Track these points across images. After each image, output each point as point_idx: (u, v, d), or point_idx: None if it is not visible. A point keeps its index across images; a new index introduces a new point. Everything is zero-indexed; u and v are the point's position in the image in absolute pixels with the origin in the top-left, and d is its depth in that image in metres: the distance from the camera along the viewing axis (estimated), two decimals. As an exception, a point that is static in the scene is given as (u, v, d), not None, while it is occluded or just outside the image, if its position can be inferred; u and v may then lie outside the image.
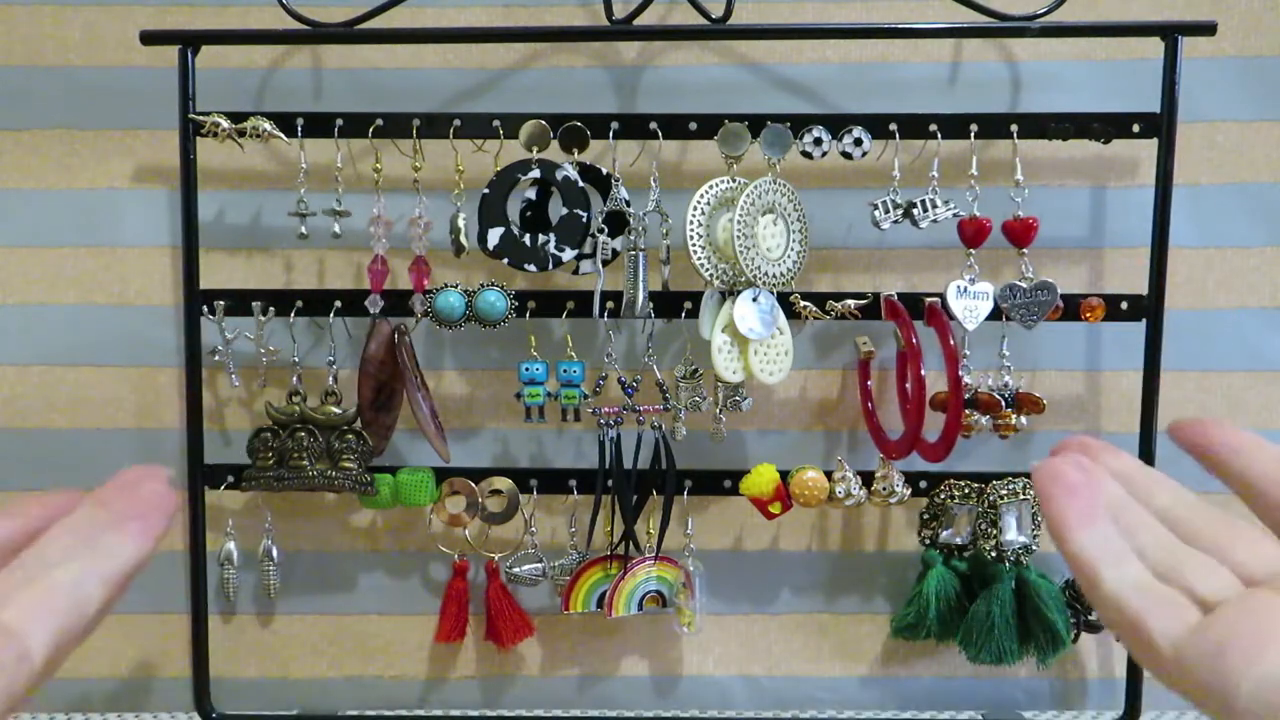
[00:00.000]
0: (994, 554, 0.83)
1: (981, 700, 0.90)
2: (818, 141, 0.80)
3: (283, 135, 0.80)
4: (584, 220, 0.79)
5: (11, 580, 0.35)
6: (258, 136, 0.80)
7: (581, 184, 0.80)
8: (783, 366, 0.81)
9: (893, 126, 0.80)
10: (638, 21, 0.80)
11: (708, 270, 0.79)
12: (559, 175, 0.79)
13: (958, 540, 0.84)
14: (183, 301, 0.83)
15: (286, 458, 0.82)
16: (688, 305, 0.82)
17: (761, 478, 0.82)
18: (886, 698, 0.92)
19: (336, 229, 0.81)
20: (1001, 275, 0.84)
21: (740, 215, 0.77)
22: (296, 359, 0.83)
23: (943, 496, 0.83)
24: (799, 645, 0.92)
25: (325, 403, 0.82)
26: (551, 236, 0.80)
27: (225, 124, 0.80)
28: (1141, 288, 0.82)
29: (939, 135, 0.80)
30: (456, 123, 0.80)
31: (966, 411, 0.81)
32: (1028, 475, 0.84)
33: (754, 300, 0.79)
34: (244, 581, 0.89)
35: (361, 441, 0.82)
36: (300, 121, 0.81)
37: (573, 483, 0.85)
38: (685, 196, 0.79)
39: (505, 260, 0.80)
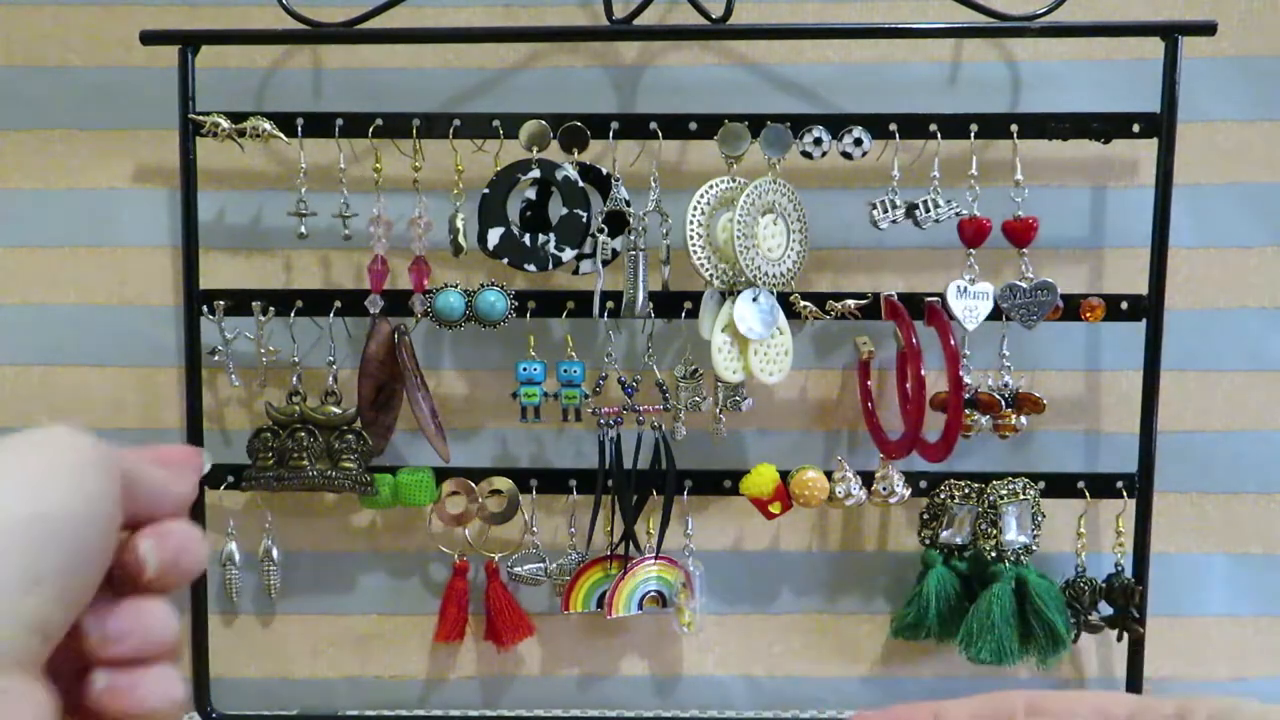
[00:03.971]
0: (994, 554, 0.83)
1: (981, 700, 0.90)
2: (818, 141, 0.80)
3: (283, 135, 0.80)
4: (584, 220, 0.79)
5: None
6: (258, 136, 0.80)
7: (581, 184, 0.80)
8: (783, 366, 0.81)
9: (893, 126, 0.80)
10: (638, 21, 0.80)
11: (708, 270, 0.79)
12: (559, 175, 0.79)
13: (958, 540, 0.84)
14: (183, 301, 0.83)
15: (286, 458, 0.82)
16: (688, 305, 0.82)
17: (761, 478, 0.82)
18: (886, 698, 0.92)
19: (346, 232, 0.81)
20: (1001, 275, 0.84)
21: (740, 215, 0.77)
22: (297, 359, 0.83)
23: (943, 496, 0.83)
24: (799, 645, 0.92)
25: (325, 403, 0.82)
26: (551, 236, 0.79)
27: (225, 124, 0.80)
28: (1141, 288, 0.82)
29: (939, 135, 0.80)
30: (456, 123, 0.80)
31: (966, 411, 0.81)
32: (1028, 475, 0.84)
33: (754, 300, 0.79)
34: (244, 581, 0.89)
35: (362, 441, 0.82)
36: (300, 121, 0.81)
37: (573, 483, 0.85)
38: (685, 196, 0.79)
39: (505, 260, 0.80)
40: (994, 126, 0.80)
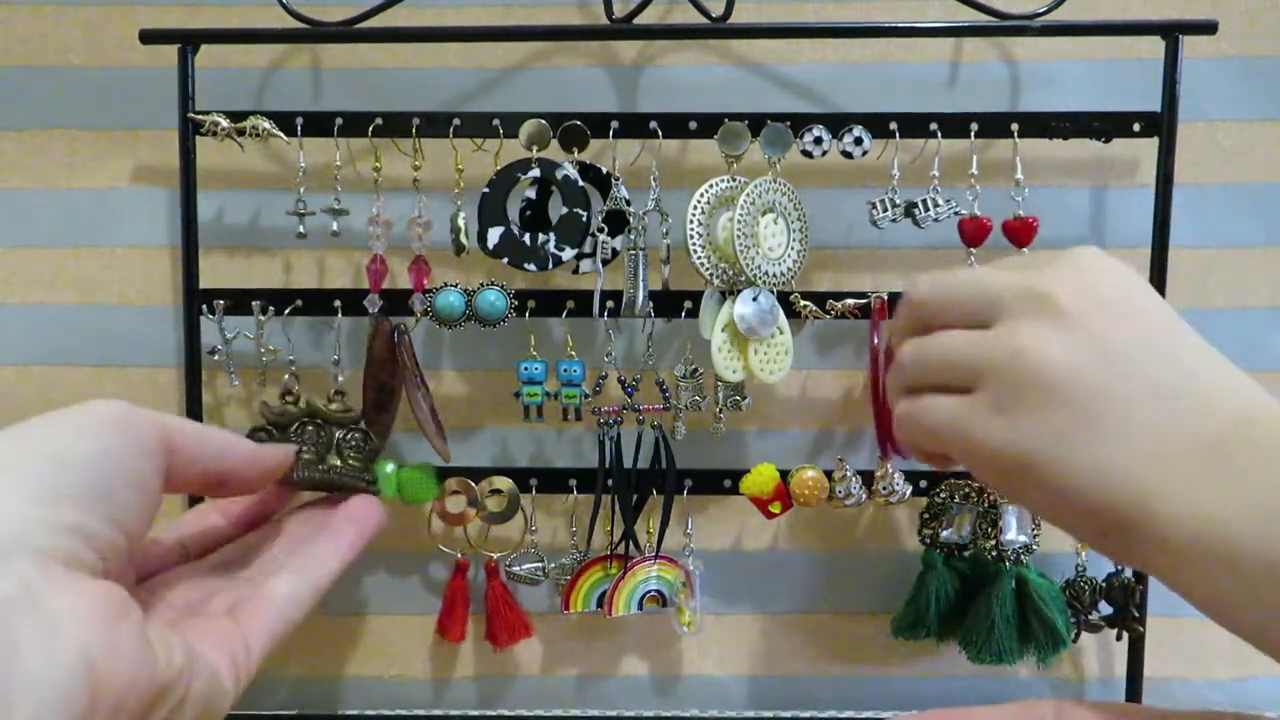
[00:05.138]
0: (994, 554, 0.82)
1: (981, 700, 0.90)
2: (818, 141, 0.80)
3: (282, 135, 0.80)
4: (584, 219, 0.79)
5: (236, 591, 0.43)
6: (257, 136, 0.80)
7: (581, 183, 0.80)
8: (783, 365, 0.81)
9: (893, 126, 0.80)
10: (637, 21, 0.80)
11: (708, 270, 0.79)
12: (559, 174, 0.79)
13: (958, 540, 0.84)
14: (182, 301, 0.83)
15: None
16: (688, 305, 0.82)
17: (761, 477, 0.82)
18: (886, 698, 0.92)
19: (335, 227, 0.81)
20: (1001, 275, 0.83)
21: (740, 214, 0.77)
22: (292, 358, 0.83)
23: (943, 496, 0.83)
24: (799, 645, 0.92)
25: (332, 400, 0.82)
26: (551, 236, 0.79)
27: (225, 123, 0.80)
28: (1142, 287, 0.81)
29: (939, 134, 0.80)
30: (456, 122, 0.80)
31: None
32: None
33: (754, 300, 0.79)
34: (244, 581, 0.89)
35: (367, 440, 0.82)
36: (300, 121, 0.81)
37: (573, 482, 0.85)
38: (685, 196, 0.79)
39: (505, 260, 0.80)
40: (994, 126, 0.80)
